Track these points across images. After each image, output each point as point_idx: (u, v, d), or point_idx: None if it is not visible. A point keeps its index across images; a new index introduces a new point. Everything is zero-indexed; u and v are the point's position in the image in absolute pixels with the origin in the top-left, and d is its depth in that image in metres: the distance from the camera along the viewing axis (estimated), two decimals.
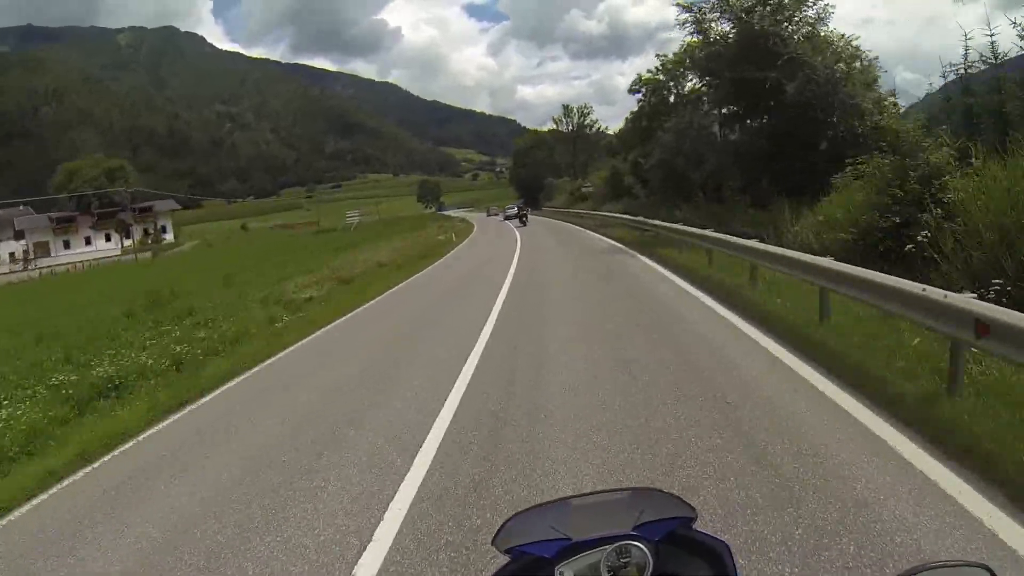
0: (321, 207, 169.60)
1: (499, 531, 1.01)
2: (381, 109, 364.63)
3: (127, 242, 66.20)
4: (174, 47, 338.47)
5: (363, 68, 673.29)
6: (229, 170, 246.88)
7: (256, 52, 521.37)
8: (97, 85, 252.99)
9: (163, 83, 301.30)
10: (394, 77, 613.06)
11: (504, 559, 0.98)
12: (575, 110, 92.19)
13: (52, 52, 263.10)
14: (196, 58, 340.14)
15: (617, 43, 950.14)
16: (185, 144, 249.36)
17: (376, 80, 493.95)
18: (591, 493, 1.18)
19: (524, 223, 37.45)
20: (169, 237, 77.27)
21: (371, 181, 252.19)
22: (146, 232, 74.32)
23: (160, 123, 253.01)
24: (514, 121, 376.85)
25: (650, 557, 0.92)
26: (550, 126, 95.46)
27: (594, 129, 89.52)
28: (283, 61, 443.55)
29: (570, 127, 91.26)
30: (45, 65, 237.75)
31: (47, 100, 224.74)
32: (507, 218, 47.51)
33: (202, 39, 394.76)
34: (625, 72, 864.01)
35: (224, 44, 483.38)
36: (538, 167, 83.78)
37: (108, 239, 70.76)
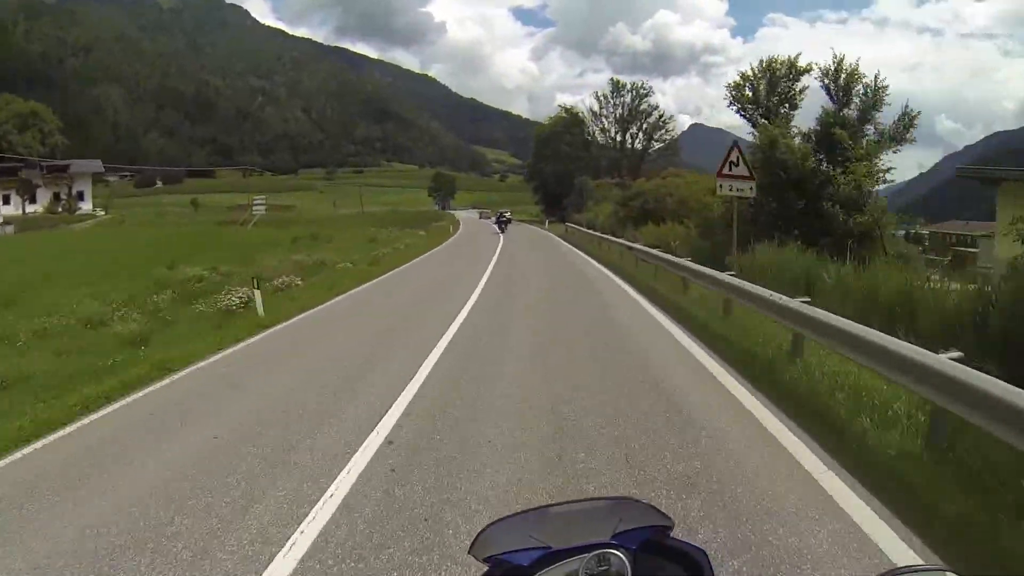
0: (335, 190, 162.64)
1: (476, 539, 1.01)
2: (417, 101, 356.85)
3: (31, 208, 54.46)
4: (216, 17, 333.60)
5: (404, 58, 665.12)
6: (252, 143, 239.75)
7: (299, 31, 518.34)
8: (130, 43, 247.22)
9: (199, 50, 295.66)
10: (434, 71, 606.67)
11: (483, 568, 0.98)
12: (628, 86, 68.77)
13: (91, 6, 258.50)
14: (237, 30, 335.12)
15: (660, 61, 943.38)
16: (211, 111, 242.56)
17: (416, 72, 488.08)
18: (569, 502, 1.17)
19: (503, 230, 41.44)
20: (86, 206, 61.86)
21: (395, 170, 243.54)
22: (56, 197, 60.12)
23: (189, 87, 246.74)
24: None
25: (628, 565, 0.92)
26: (591, 105, 70.37)
27: (657, 118, 66.84)
28: (325, 43, 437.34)
29: (619, 108, 67.90)
30: (77, 17, 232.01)
31: (75, 52, 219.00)
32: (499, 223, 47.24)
33: (246, 12, 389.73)
34: (666, 91, 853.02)
35: (268, 19, 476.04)
36: (566, 161, 62.12)
37: (7, 201, 57.31)
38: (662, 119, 67.90)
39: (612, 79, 70.57)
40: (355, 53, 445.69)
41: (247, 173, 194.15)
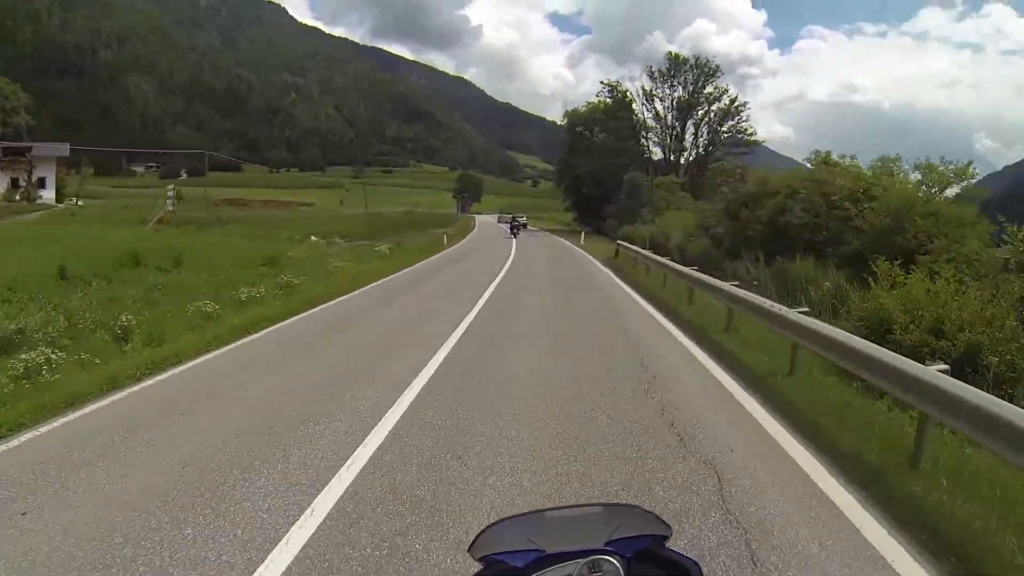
0: (359, 190, 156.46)
1: (476, 539, 1.01)
2: (451, 103, 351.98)
3: None
4: (253, 14, 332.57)
5: (439, 60, 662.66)
6: (281, 139, 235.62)
7: (335, 31, 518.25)
8: (164, 35, 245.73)
9: (234, 46, 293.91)
10: (470, 74, 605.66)
11: (478, 566, 0.98)
12: (692, 62, 52.01)
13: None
14: (273, 27, 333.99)
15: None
16: (242, 106, 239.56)
17: (451, 74, 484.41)
18: (567, 507, 1.16)
19: (515, 234, 39.37)
20: (48, 195, 53.04)
21: (424, 171, 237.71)
22: (14, 183, 51.85)
23: (220, 82, 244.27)
24: None
25: (622, 573, 0.91)
26: (642, 83, 54.01)
27: (728, 103, 50.83)
28: (360, 43, 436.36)
29: (679, 87, 51.69)
30: (115, 10, 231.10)
31: (108, 43, 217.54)
32: (512, 227, 43.10)
33: (283, 10, 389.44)
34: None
35: (305, 18, 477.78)
36: (608, 155, 47.71)
37: None
38: (735, 105, 51.01)
39: (670, 53, 53.76)
40: (390, 54, 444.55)
41: (273, 169, 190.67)
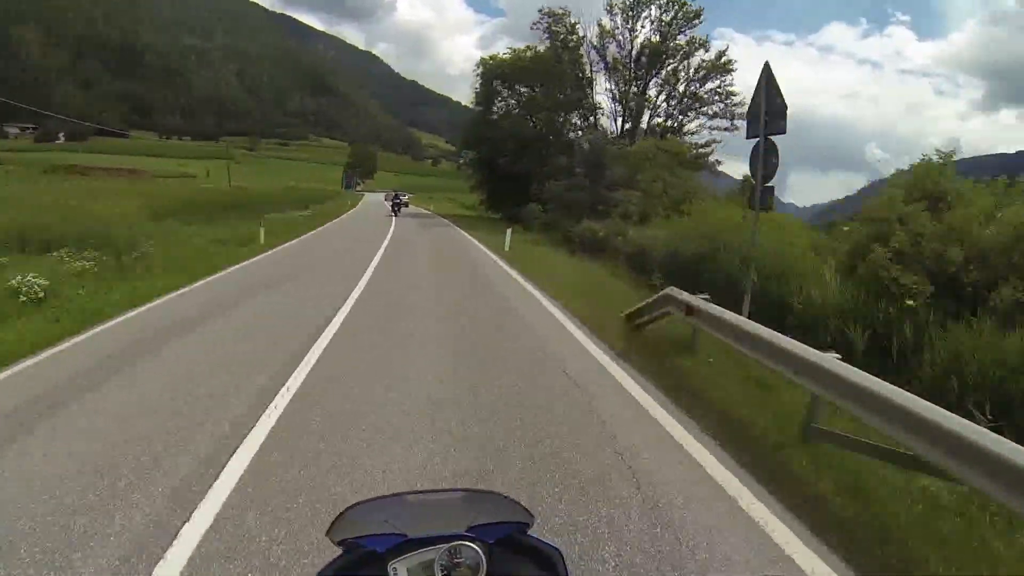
0: (255, 162, 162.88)
1: (334, 522, 0.98)
2: (358, 78, 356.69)
3: None
4: None
5: (351, 34, 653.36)
6: (176, 104, 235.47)
7: None
8: None
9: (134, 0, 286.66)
10: (379, 50, 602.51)
11: (337, 551, 0.95)
12: None
13: None
14: None
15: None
16: (137, 66, 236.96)
17: (360, 48, 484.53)
18: (427, 491, 1.24)
19: (396, 213, 36.72)
20: None
21: (324, 145, 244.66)
22: None
23: (115, 36, 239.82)
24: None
25: (483, 559, 0.90)
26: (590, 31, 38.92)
27: (716, 57, 35.52)
28: (271, 9, 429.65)
29: (641, 31, 36.52)
30: None
31: None
32: (393, 205, 40.35)
33: None
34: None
35: None
36: (543, 112, 37.27)
37: None
38: (724, 61, 35.26)
39: None
40: (301, 23, 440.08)
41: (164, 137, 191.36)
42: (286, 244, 18.59)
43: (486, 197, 43.65)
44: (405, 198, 45.82)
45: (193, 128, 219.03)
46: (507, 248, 18.63)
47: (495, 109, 41.05)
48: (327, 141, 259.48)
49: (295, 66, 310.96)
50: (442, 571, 0.89)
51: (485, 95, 40.78)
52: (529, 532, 0.99)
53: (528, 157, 35.36)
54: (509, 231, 20.46)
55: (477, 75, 41.23)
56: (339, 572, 0.92)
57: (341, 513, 1.00)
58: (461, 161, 53.78)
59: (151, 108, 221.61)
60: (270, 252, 16.23)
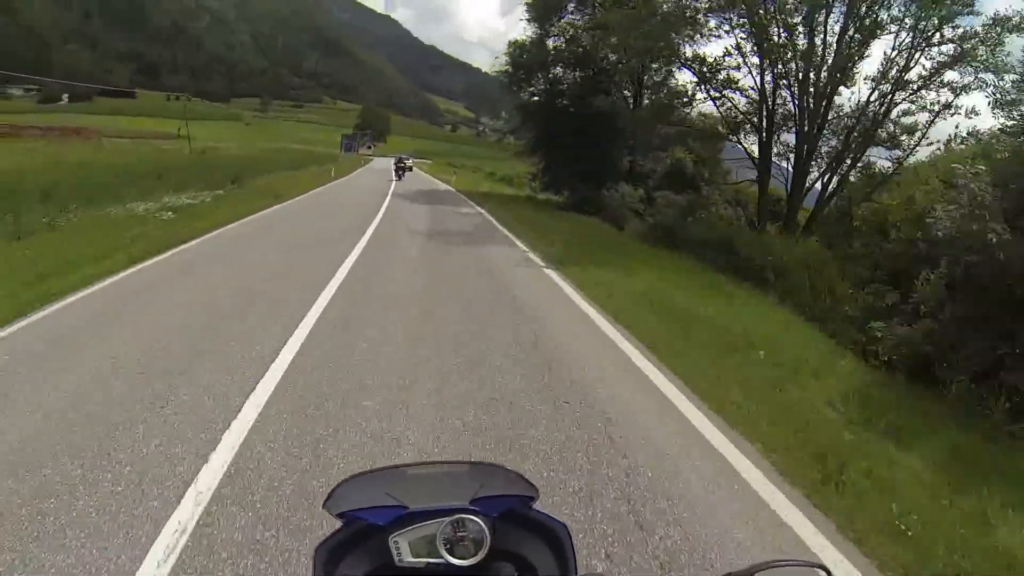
0: (265, 125, 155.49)
1: (331, 494, 0.95)
2: (375, 41, 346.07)
3: None
4: None
5: None
6: (184, 64, 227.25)
7: None
8: None
9: None
10: (398, 14, 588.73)
11: (336, 523, 0.91)
12: None
13: None
14: None
15: None
16: (145, 24, 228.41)
17: (378, 12, 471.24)
18: (429, 463, 1.16)
19: (400, 177, 35.34)
20: None
21: (338, 108, 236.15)
22: None
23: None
24: None
25: (487, 533, 0.88)
26: None
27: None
28: None
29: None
30: None
31: None
32: (397, 169, 37.82)
33: None
34: None
35: None
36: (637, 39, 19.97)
37: None
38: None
39: None
40: None
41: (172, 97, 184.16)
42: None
43: (543, 168, 31.29)
44: (409, 162, 45.16)
45: (205, 89, 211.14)
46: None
47: (555, 27, 29.22)
48: (342, 104, 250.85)
49: (309, 27, 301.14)
50: (445, 545, 0.87)
51: (538, 13, 29.12)
52: (534, 506, 0.96)
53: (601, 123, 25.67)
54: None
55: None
56: (339, 545, 0.90)
57: (338, 484, 0.96)
58: (490, 124, 50.36)
59: (158, 68, 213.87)
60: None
